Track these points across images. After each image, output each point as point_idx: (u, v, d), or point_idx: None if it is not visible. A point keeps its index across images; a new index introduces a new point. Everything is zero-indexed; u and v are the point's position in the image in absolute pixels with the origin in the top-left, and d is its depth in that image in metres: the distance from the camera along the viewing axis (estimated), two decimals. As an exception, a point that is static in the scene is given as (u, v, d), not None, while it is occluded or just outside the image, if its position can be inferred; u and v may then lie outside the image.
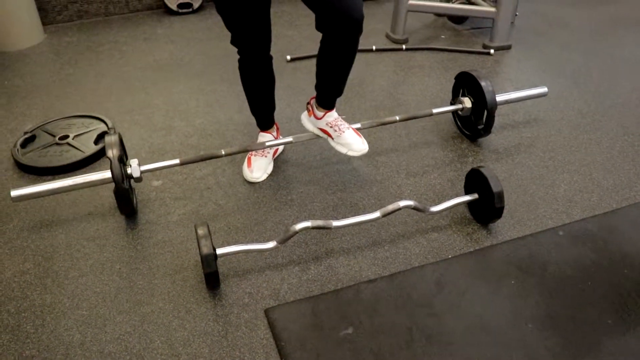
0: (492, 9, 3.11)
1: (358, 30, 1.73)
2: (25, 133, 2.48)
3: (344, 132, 1.98)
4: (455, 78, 2.37)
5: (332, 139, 2.01)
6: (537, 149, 2.33)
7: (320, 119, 2.00)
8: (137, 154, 2.31)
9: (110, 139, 1.87)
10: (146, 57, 3.23)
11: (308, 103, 2.05)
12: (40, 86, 2.99)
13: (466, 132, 2.35)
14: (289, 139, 2.06)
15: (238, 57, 1.96)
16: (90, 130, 2.48)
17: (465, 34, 3.41)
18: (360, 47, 3.04)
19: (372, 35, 3.34)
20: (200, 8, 3.73)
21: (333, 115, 2.00)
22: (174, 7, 3.69)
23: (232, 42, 1.91)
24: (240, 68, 2.00)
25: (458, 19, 3.48)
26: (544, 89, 2.47)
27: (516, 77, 2.94)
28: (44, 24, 3.62)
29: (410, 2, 3.14)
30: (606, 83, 2.86)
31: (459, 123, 2.40)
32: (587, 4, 3.92)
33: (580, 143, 2.37)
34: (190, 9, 3.67)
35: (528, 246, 1.82)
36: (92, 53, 3.32)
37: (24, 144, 2.41)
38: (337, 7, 1.67)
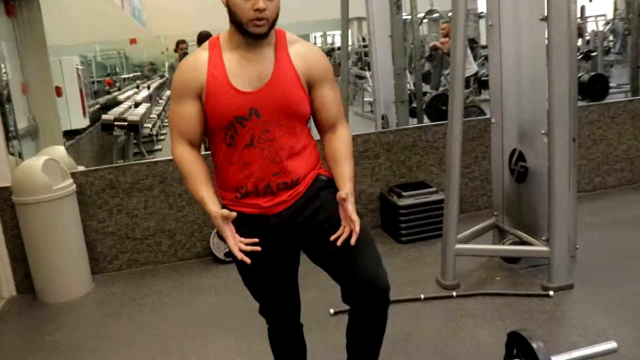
0: (545, 249, 3.19)
1: (384, 302, 1.83)
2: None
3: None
4: (508, 335, 2.35)
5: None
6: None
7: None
8: None
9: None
10: (188, 311, 3.41)
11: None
12: (78, 341, 3.19)
13: (524, 399, 2.26)
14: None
15: (267, 326, 2.07)
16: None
17: (522, 274, 3.45)
18: (408, 296, 3.19)
19: (421, 281, 3.44)
20: (247, 254, 4.00)
21: (367, 392, 2.00)
22: (221, 255, 3.98)
23: (260, 312, 2.04)
24: (269, 337, 2.10)
25: (513, 258, 3.56)
26: (612, 345, 2.39)
27: (580, 322, 2.89)
28: (93, 272, 3.96)
29: (457, 246, 3.28)
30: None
31: (515, 388, 2.32)
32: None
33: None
34: (236, 257, 3.95)
35: None
36: (135, 305, 3.55)
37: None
38: (359, 278, 1.80)
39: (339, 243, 1.74)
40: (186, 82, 1.79)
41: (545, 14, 2.94)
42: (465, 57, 3.16)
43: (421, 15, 8.93)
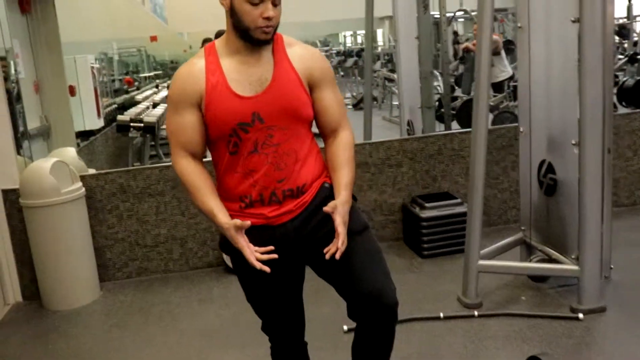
0: (575, 267, 3.14)
1: (391, 318, 1.83)
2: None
3: None
4: None
5: None
6: None
7: None
8: None
9: None
10: (197, 322, 3.44)
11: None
12: (83, 351, 3.24)
13: None
14: None
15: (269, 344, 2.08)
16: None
17: (551, 294, 3.40)
18: (427, 314, 3.16)
19: (442, 299, 3.42)
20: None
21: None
22: (232, 265, 4.00)
23: (263, 329, 2.05)
24: (272, 355, 2.12)
25: (540, 277, 3.50)
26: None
27: (611, 349, 2.84)
28: (102, 280, 4.02)
29: (480, 262, 3.25)
30: None
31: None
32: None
33: None
34: (248, 268, 3.98)
35: None
36: (143, 315, 3.60)
37: None
38: (365, 293, 1.80)
39: (327, 257, 1.75)
40: (184, 92, 1.82)
41: (578, 16, 2.90)
42: (490, 60, 3.12)
43: (450, 14, 8.87)
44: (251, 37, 1.76)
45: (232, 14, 1.76)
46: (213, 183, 1.90)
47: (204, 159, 1.96)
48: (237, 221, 1.77)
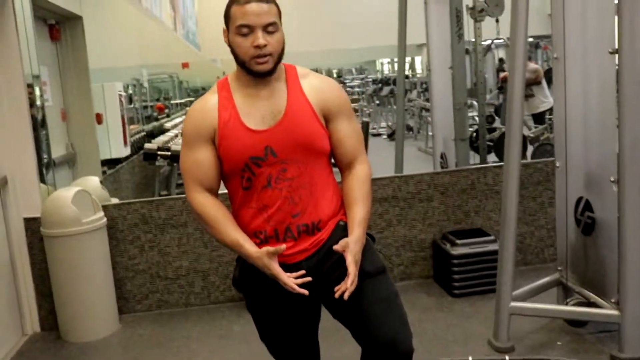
0: (615, 312, 3.05)
1: None
2: None
3: None
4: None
5: None
6: None
7: None
8: None
9: None
10: (215, 358, 3.44)
11: None
12: (97, 387, 3.26)
13: None
14: None
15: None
16: None
17: (589, 340, 3.31)
18: (455, 357, 3.11)
19: (472, 341, 3.36)
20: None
21: None
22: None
23: (277, 370, 2.04)
24: (287, 397, 2.08)
25: (579, 321, 3.41)
26: None
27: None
28: (121, 312, 4.06)
29: (512, 304, 3.18)
30: None
31: None
32: None
33: None
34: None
35: None
36: (161, 350, 3.61)
37: None
38: (380, 339, 1.80)
39: (336, 295, 1.74)
40: (198, 128, 1.86)
41: (616, 46, 2.86)
42: (523, 90, 3.10)
43: (488, 42, 8.85)
44: (249, 69, 1.80)
45: (231, 49, 1.81)
46: (232, 216, 1.91)
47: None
48: (270, 248, 1.78)
